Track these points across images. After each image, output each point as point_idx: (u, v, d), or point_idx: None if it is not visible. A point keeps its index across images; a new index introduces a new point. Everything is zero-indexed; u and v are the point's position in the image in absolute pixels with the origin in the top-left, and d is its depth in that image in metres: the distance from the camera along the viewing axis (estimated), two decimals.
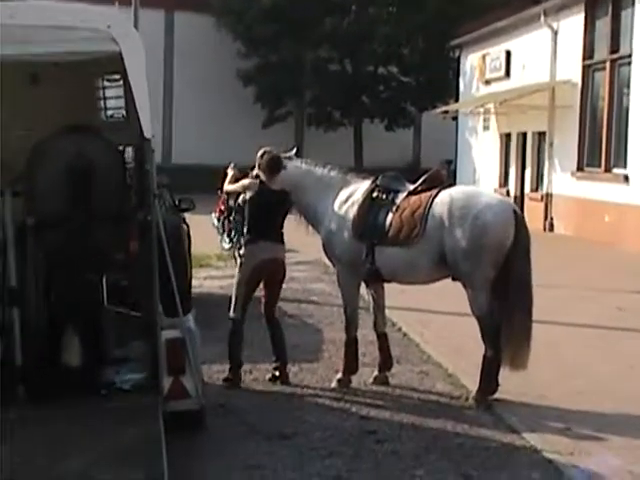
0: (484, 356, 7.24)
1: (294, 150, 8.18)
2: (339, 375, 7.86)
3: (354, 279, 7.79)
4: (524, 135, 24.14)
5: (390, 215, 7.45)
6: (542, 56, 22.24)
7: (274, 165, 7.79)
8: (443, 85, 33.61)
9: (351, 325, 7.87)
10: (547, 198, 22.05)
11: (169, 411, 5.88)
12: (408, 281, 7.77)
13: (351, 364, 7.83)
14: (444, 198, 7.27)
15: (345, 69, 35.06)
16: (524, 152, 24.17)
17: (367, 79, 35.02)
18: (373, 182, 7.79)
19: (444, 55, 32.40)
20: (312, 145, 35.92)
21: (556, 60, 21.65)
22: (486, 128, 26.98)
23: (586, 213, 19.82)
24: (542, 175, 22.79)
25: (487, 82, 26.38)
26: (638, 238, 17.09)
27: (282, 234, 7.95)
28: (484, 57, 26.39)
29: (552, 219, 21.51)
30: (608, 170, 19.29)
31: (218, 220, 11.12)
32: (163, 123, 36.43)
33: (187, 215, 12.15)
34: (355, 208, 7.66)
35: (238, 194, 8.11)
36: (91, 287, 6.70)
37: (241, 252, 7.84)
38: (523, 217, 7.27)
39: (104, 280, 6.84)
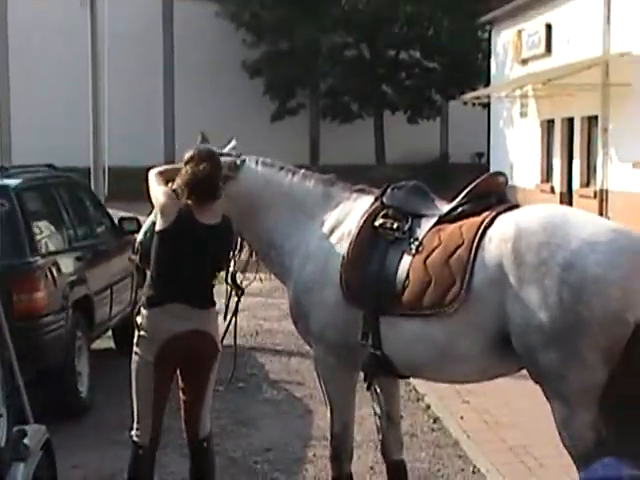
0: None
1: (232, 142, 4.78)
2: None
3: (345, 373, 4.41)
4: (570, 121, 21.36)
5: (407, 260, 4.11)
6: (592, 26, 19.18)
7: (214, 185, 4.43)
8: (472, 69, 30.71)
9: (341, 455, 4.45)
10: (602, 195, 18.90)
11: None
12: (442, 378, 4.41)
13: None
14: (506, 229, 3.91)
15: (363, 55, 32.10)
16: (571, 141, 21.27)
17: (387, 65, 32.34)
18: (377, 199, 4.43)
19: (473, 34, 29.38)
20: (328, 140, 33.13)
21: (610, 30, 18.42)
22: (523, 114, 24.30)
23: None
24: (595, 167, 19.83)
25: (524, 61, 23.74)
26: None
27: (212, 292, 4.57)
28: (519, 33, 23.63)
29: (609, 219, 18.00)
30: None
31: None
32: (165, 121, 33.54)
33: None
34: (344, 247, 4.32)
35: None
36: None
37: (138, 320, 4.48)
38: None
39: None
